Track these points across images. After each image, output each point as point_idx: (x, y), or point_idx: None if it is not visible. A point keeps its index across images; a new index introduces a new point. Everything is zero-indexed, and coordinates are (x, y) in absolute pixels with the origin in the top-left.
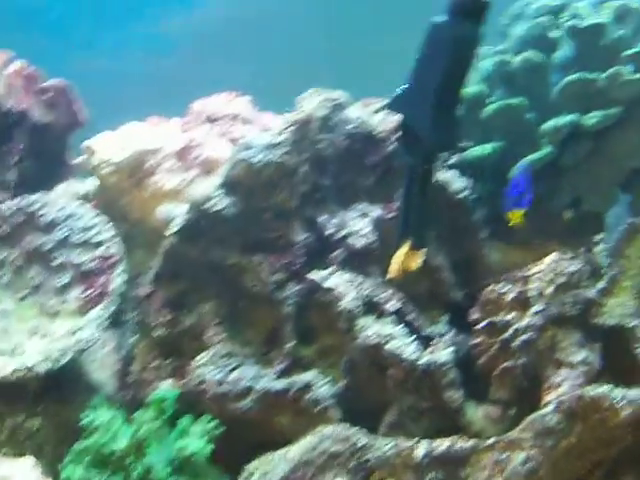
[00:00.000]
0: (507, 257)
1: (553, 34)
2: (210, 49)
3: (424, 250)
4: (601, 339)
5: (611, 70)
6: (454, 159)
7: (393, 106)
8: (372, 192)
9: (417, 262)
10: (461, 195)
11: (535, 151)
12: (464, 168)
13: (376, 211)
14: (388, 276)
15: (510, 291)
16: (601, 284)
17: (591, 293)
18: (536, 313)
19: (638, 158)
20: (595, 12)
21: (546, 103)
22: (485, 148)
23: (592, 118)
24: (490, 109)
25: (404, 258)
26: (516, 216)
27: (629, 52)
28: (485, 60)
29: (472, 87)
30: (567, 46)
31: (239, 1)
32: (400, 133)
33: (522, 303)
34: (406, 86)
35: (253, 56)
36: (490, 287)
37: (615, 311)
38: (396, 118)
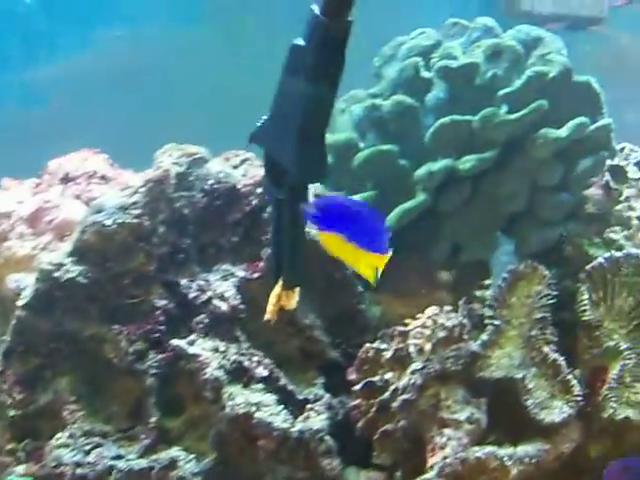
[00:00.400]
0: (390, 310)
1: (425, 75)
2: (75, 102)
3: (298, 288)
4: (488, 394)
5: (485, 111)
6: None
7: (255, 138)
8: (236, 251)
9: (293, 300)
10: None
11: (410, 199)
12: None
13: (240, 271)
14: (266, 317)
15: (388, 348)
16: (485, 336)
17: (474, 346)
18: (416, 371)
19: (518, 202)
20: (467, 51)
21: (420, 148)
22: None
23: (467, 162)
24: (360, 157)
25: (279, 297)
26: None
27: (503, 92)
28: (355, 105)
29: (341, 134)
30: (439, 87)
31: (109, 54)
32: (265, 166)
33: (401, 360)
34: (268, 115)
35: (120, 110)
36: (367, 344)
37: (502, 363)
38: (259, 170)
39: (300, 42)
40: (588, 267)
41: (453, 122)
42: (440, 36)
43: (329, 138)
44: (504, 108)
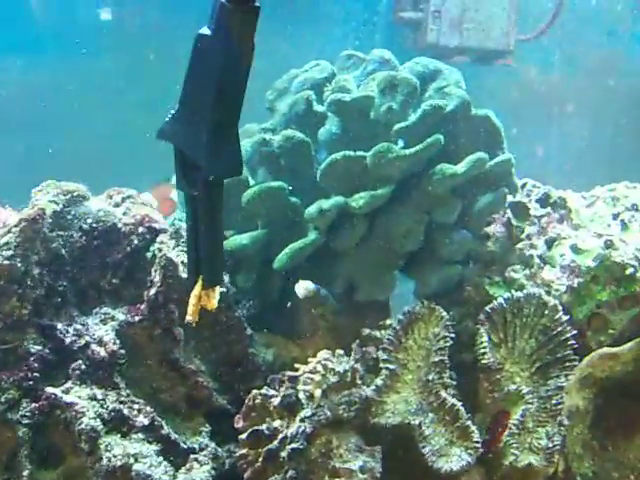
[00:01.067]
0: (284, 353)
1: (318, 109)
2: None
3: (219, 286)
4: (383, 441)
5: (378, 147)
6: None
7: (163, 134)
8: (117, 293)
9: (214, 300)
10: (220, 290)
11: (301, 237)
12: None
13: (121, 314)
14: (187, 319)
15: (277, 394)
16: (379, 380)
17: (368, 391)
18: (305, 418)
19: (414, 240)
20: (362, 85)
21: (312, 185)
22: (243, 238)
23: (359, 200)
24: (249, 194)
25: (199, 298)
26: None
27: (398, 126)
28: (245, 140)
29: None
30: (333, 122)
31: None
32: (176, 162)
33: (291, 407)
34: (176, 109)
35: (8, 146)
36: (255, 391)
37: (398, 408)
38: (141, 208)
39: (206, 31)
40: (487, 308)
41: (345, 158)
42: (335, 69)
43: None
44: (400, 143)
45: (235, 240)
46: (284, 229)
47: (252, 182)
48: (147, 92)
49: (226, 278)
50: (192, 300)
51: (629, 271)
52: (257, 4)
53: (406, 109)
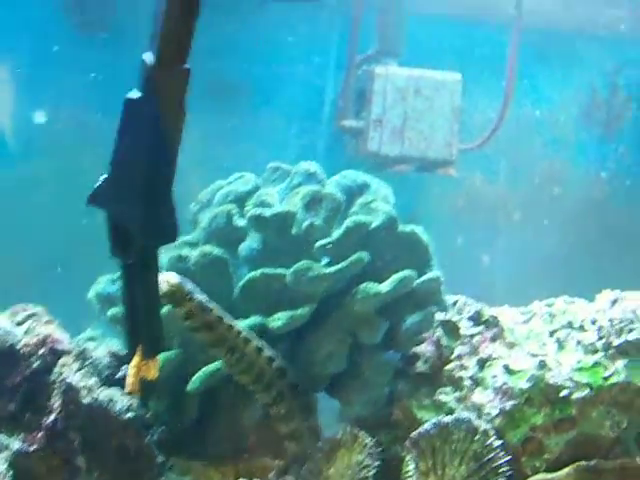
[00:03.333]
0: (203, 479)
1: (239, 224)
2: None
3: (159, 355)
4: None
5: (298, 265)
6: (121, 372)
7: (95, 200)
8: (14, 419)
9: (155, 370)
10: (127, 415)
11: (218, 358)
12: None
13: (17, 444)
14: (126, 390)
15: None
16: None
17: None
18: None
19: (338, 362)
20: (286, 199)
21: (230, 303)
22: None
23: (278, 320)
24: (163, 313)
25: (139, 368)
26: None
27: (320, 243)
28: (163, 254)
29: None
30: (254, 237)
31: None
32: (108, 229)
33: None
34: (107, 174)
35: None
36: None
37: None
38: (45, 327)
39: (135, 95)
40: (414, 434)
41: (264, 276)
42: (260, 181)
43: None
44: (324, 260)
45: None
46: (200, 350)
47: None
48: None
49: (135, 402)
50: (131, 371)
51: (564, 393)
52: (187, 66)
53: (330, 225)
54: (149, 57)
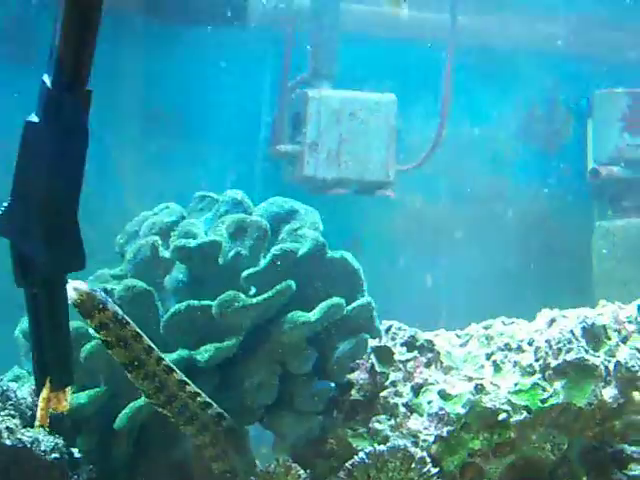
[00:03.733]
0: None
1: (165, 255)
2: None
3: (69, 387)
4: None
5: (223, 295)
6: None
7: None
8: None
9: (64, 402)
10: (53, 455)
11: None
12: (61, 421)
13: None
14: (36, 424)
15: None
16: None
17: None
18: None
19: (268, 393)
20: (212, 228)
21: (156, 335)
22: (80, 397)
23: (205, 353)
24: (86, 350)
25: (48, 401)
26: None
27: (247, 273)
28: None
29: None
30: (179, 269)
31: None
32: (12, 258)
33: None
34: (9, 202)
35: None
36: None
37: None
38: None
39: (34, 119)
40: (348, 464)
41: (189, 309)
42: (186, 211)
43: None
44: (252, 290)
45: (71, 399)
46: (128, 385)
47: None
48: None
49: (60, 441)
50: (41, 404)
51: (502, 417)
52: (89, 89)
53: (256, 254)
54: (47, 78)
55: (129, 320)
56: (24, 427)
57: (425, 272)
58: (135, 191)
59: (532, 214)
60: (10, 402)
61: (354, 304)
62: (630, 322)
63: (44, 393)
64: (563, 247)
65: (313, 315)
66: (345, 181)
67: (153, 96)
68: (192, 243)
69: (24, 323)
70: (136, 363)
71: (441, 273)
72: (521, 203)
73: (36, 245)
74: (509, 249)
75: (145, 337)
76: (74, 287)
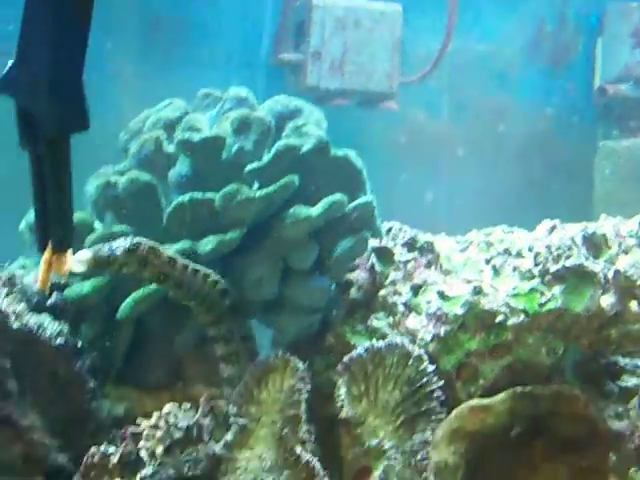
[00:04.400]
0: (138, 406)
1: (169, 150)
2: None
3: (70, 249)
4: None
5: (227, 189)
6: (53, 298)
7: (1, 87)
8: None
9: (67, 264)
10: (58, 341)
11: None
12: (65, 308)
13: None
14: (37, 286)
15: (116, 452)
16: (229, 436)
17: (217, 447)
18: (146, 477)
19: (268, 288)
20: (216, 124)
21: (159, 229)
22: (85, 286)
23: (207, 244)
24: (90, 240)
25: (50, 264)
26: None
27: (250, 167)
28: (91, 182)
29: (76, 214)
30: (183, 163)
31: None
32: (17, 119)
33: (131, 466)
34: (14, 62)
35: None
36: (93, 448)
37: (251, 466)
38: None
39: None
40: (346, 359)
41: (192, 201)
42: (190, 108)
43: None
44: (255, 185)
45: (76, 288)
46: (127, 277)
47: (98, 226)
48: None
49: (65, 328)
50: (42, 267)
51: (499, 318)
52: None
53: (260, 149)
54: None
55: (140, 240)
56: (30, 313)
57: (426, 186)
58: (138, 97)
59: (535, 133)
60: (16, 288)
61: (356, 202)
62: (631, 236)
63: (46, 255)
64: (565, 167)
65: (315, 210)
66: (348, 91)
67: (155, 2)
68: (196, 137)
69: (29, 215)
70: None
71: (442, 188)
72: (525, 121)
73: (41, 105)
74: (510, 167)
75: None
76: (79, 261)
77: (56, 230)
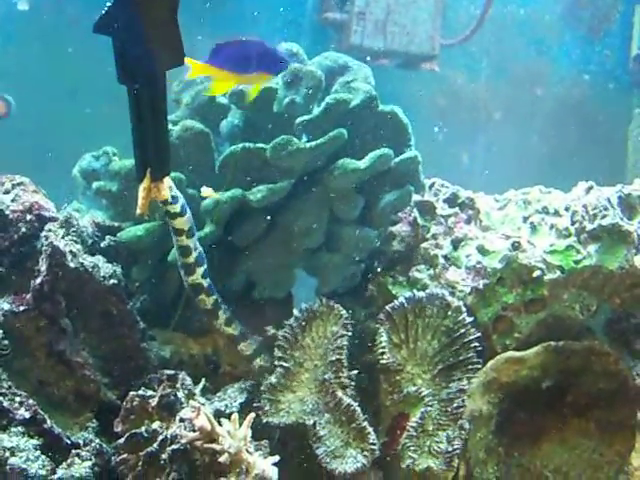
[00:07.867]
0: (183, 349)
1: (221, 101)
2: None
3: (168, 177)
4: (277, 438)
5: (278, 139)
6: (106, 241)
7: (100, 27)
8: (2, 281)
9: (164, 191)
10: (111, 281)
11: (198, 230)
12: (119, 250)
13: (6, 304)
14: (137, 211)
15: (155, 395)
16: (273, 378)
17: (261, 389)
18: (185, 418)
19: (315, 237)
20: None
21: (211, 177)
22: (138, 229)
23: (258, 193)
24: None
25: (149, 191)
26: None
27: (301, 120)
28: None
29: (127, 161)
30: (235, 114)
31: None
32: (115, 57)
33: (170, 407)
34: (112, 2)
35: None
36: (132, 392)
37: (292, 407)
38: (31, 195)
39: None
40: (388, 307)
41: (245, 150)
42: None
43: (115, 165)
44: (304, 137)
45: (130, 232)
46: None
47: None
48: (65, 84)
49: (118, 269)
50: (141, 194)
51: (536, 274)
52: None
53: (310, 102)
54: None
55: None
56: (85, 253)
57: (463, 148)
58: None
59: (571, 99)
60: (73, 229)
61: (401, 156)
62: None
63: (145, 183)
64: (600, 133)
65: (363, 163)
66: (390, 52)
67: None
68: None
69: (83, 161)
70: None
71: (479, 149)
72: (561, 87)
73: (139, 42)
74: (545, 131)
75: None
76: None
77: (154, 160)
